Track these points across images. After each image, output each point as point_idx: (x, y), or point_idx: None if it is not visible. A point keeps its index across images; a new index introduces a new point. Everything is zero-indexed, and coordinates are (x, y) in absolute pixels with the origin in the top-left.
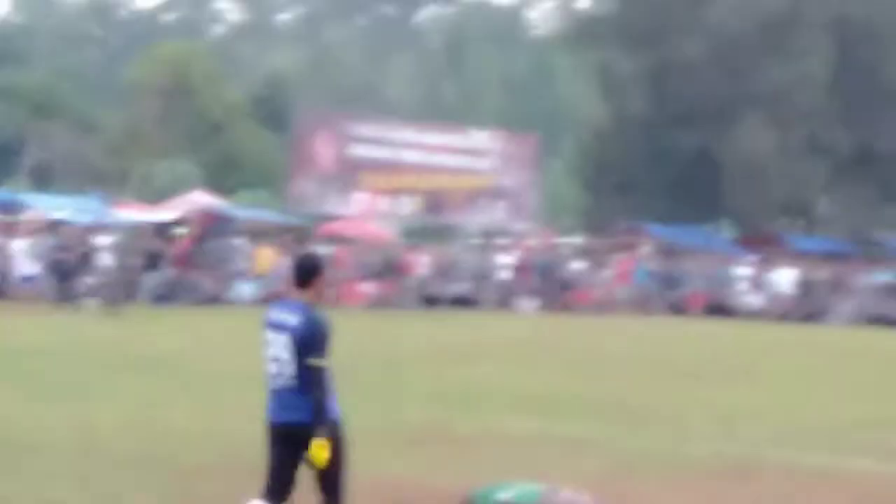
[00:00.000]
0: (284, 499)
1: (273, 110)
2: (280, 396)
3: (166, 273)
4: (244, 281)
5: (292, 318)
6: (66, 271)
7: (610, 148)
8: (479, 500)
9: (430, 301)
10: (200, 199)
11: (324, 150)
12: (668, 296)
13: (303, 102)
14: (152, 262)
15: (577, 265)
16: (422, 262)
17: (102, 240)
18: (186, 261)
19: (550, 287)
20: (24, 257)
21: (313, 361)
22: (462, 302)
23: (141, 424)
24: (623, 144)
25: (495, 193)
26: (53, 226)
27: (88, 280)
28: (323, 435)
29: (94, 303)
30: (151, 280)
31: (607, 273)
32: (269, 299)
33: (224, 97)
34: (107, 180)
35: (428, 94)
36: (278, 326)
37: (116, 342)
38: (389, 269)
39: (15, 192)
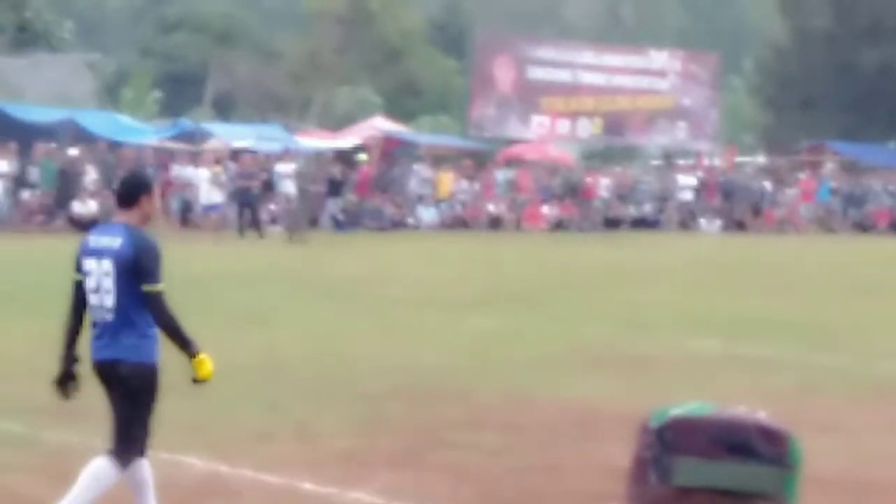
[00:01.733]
0: (137, 444)
1: (451, 35)
2: (101, 331)
3: (348, 199)
4: (426, 206)
5: (114, 242)
6: (249, 199)
7: (791, 64)
8: (655, 417)
9: (612, 223)
10: (381, 125)
11: (503, 73)
12: (852, 214)
13: (481, 26)
14: (334, 188)
15: (759, 184)
16: (603, 185)
17: (285, 167)
18: (368, 187)
19: (733, 207)
20: (208, 186)
21: (148, 288)
22: (643, 223)
23: (324, 350)
24: (804, 60)
25: (676, 114)
26: (236, 154)
27: (271, 208)
28: (194, 353)
29: (278, 230)
30: (334, 206)
31: (790, 192)
32: (450, 224)
33: (403, 23)
34: (288, 108)
35: (606, 15)
36: (98, 252)
37: (300, 269)
38: (570, 192)
39: (198, 122)
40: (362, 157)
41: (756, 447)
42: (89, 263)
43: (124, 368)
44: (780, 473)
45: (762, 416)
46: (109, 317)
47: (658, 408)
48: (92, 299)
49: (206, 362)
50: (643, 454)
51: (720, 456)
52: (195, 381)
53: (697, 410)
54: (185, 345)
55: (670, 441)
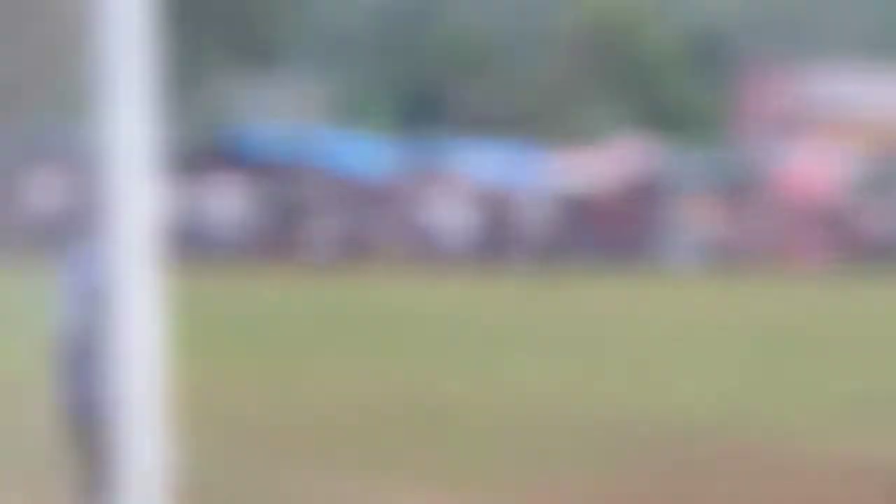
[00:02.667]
0: None
1: (711, 53)
2: None
3: (597, 230)
4: (683, 239)
5: None
6: (492, 233)
7: None
8: None
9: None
10: (632, 150)
11: (771, 97)
12: None
13: (744, 45)
14: (578, 219)
15: None
16: (880, 219)
17: (528, 197)
18: (619, 219)
19: None
20: (454, 218)
21: None
22: None
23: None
24: None
25: None
26: (479, 184)
27: (514, 241)
28: None
29: (526, 267)
30: (583, 239)
31: None
32: (710, 259)
33: (657, 39)
34: (535, 131)
35: (885, 34)
36: None
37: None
38: (843, 227)
39: (439, 146)
40: (612, 185)
41: None
42: None
43: None
44: None
45: None
46: None
47: None
48: None
49: None
50: None
51: None
52: None
53: None
54: None
55: None
